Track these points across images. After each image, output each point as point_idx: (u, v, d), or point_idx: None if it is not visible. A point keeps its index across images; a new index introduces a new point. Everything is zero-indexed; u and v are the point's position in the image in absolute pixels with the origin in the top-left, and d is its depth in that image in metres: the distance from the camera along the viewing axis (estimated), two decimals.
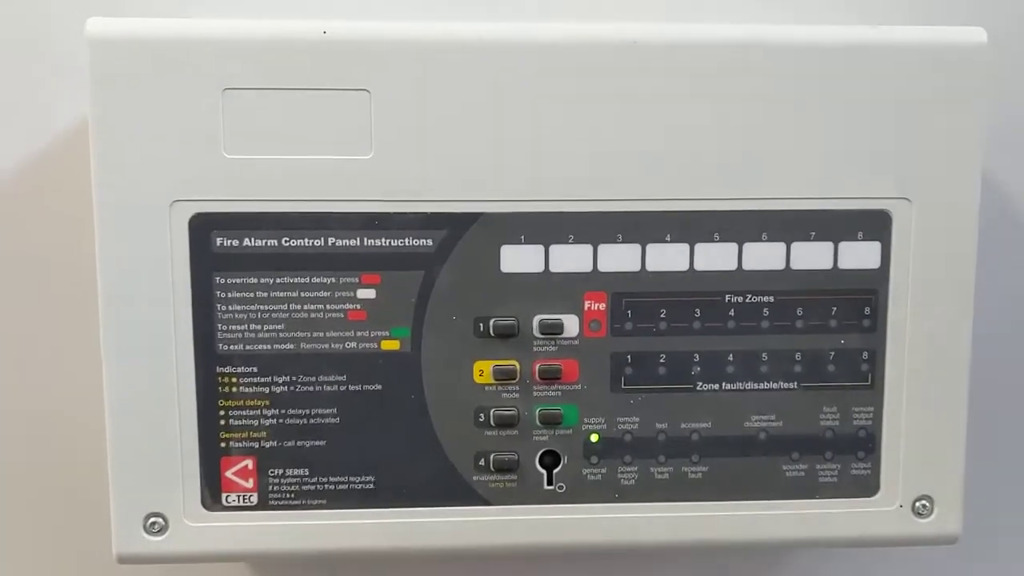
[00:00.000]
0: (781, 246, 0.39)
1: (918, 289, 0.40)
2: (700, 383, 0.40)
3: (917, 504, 0.41)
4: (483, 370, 0.39)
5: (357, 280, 0.39)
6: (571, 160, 0.38)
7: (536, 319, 0.39)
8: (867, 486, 0.41)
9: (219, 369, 0.39)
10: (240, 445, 0.39)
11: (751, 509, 0.41)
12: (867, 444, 0.41)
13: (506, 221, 0.38)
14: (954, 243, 0.40)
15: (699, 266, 0.39)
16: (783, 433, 0.41)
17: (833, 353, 0.40)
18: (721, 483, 0.40)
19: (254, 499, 0.39)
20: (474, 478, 0.40)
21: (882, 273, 0.40)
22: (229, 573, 0.47)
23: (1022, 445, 0.50)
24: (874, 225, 0.39)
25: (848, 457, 0.41)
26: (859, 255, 0.40)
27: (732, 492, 0.41)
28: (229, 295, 0.38)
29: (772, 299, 0.40)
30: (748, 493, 0.41)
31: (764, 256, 0.39)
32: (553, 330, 0.39)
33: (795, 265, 0.40)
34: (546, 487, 0.40)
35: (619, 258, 0.39)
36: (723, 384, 0.40)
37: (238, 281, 0.38)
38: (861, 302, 0.40)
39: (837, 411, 0.41)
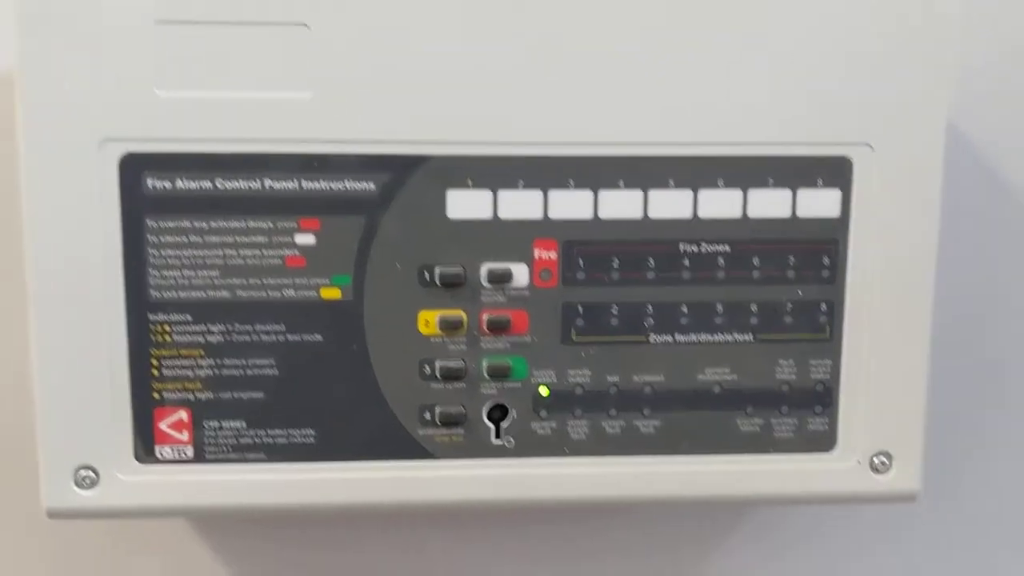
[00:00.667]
0: (738, 193, 0.38)
1: (879, 239, 0.39)
2: (653, 335, 0.39)
3: (875, 460, 0.40)
4: (428, 320, 0.38)
5: (295, 225, 0.37)
6: (521, 102, 0.37)
7: (484, 268, 0.38)
8: (824, 441, 0.40)
9: (151, 317, 0.37)
10: (174, 396, 0.38)
11: (704, 464, 0.40)
12: (824, 398, 0.40)
13: (453, 165, 0.37)
14: (918, 192, 0.39)
15: (653, 213, 0.38)
16: (738, 386, 0.39)
17: (790, 305, 0.39)
18: (674, 437, 0.39)
19: (189, 452, 0.38)
20: (419, 432, 0.38)
21: (842, 222, 0.39)
22: (166, 528, 0.46)
23: (983, 399, 0.49)
24: (834, 172, 0.38)
25: (805, 411, 0.40)
26: (818, 203, 0.38)
27: (685, 447, 0.39)
28: (161, 239, 0.37)
29: (728, 248, 0.38)
30: (701, 448, 0.40)
31: (720, 203, 0.38)
32: (502, 279, 0.38)
33: (752, 213, 0.38)
34: (494, 441, 0.39)
35: (571, 204, 0.38)
36: (676, 336, 0.39)
37: (171, 225, 0.37)
38: (820, 252, 0.39)
39: (794, 364, 0.40)
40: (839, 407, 0.40)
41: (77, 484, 0.37)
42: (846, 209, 0.38)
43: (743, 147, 0.38)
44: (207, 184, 0.36)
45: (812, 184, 0.38)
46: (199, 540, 0.48)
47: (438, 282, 0.38)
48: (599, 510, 0.44)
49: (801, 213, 0.38)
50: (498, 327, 0.38)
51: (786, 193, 0.38)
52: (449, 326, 0.38)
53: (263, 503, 0.39)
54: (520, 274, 0.38)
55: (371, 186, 0.37)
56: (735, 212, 0.38)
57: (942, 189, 0.38)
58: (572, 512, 0.45)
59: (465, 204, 0.37)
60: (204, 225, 0.37)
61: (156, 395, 0.38)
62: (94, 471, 0.37)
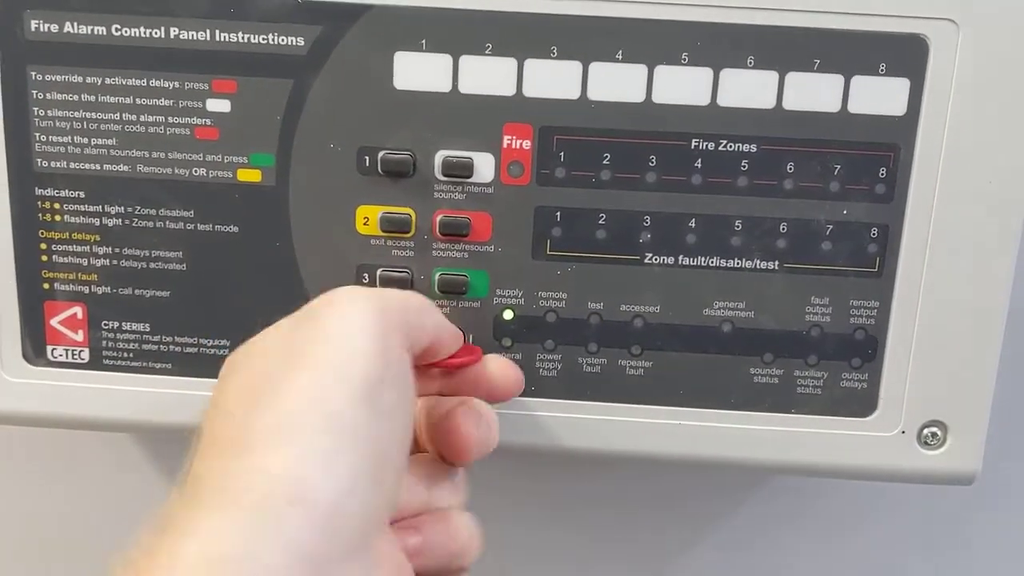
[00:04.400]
0: (772, 76, 0.30)
1: (956, 148, 0.30)
2: (650, 254, 0.31)
3: (925, 431, 0.32)
4: (368, 218, 0.31)
5: (207, 87, 0.30)
6: None
7: (439, 156, 0.30)
8: (861, 403, 0.32)
9: (39, 191, 0.31)
10: (67, 288, 0.32)
11: (702, 419, 0.32)
12: (865, 349, 0.32)
13: (403, 18, 0.29)
14: (1013, 87, 0.29)
15: (659, 97, 0.30)
16: (754, 326, 0.32)
17: (831, 227, 0.31)
18: (667, 384, 0.32)
19: (85, 355, 0.32)
20: None
21: (908, 123, 0.30)
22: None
23: None
24: (903, 55, 0.29)
25: (839, 364, 0.32)
26: (878, 96, 0.30)
27: (680, 397, 0.32)
28: (47, 96, 0.30)
29: (755, 148, 0.30)
30: (700, 400, 0.32)
31: (748, 89, 0.30)
32: (461, 171, 0.30)
33: (789, 104, 0.30)
34: None
35: (553, 79, 0.30)
36: (680, 257, 0.31)
37: (59, 79, 0.30)
38: (875, 160, 0.30)
39: (829, 304, 0.31)
40: (883, 362, 0.32)
41: None
42: (915, 106, 0.30)
43: (784, 15, 0.29)
44: (101, 30, 0.30)
45: (872, 70, 0.29)
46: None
47: (381, 170, 0.30)
48: (566, 463, 0.37)
49: (854, 107, 0.30)
50: (454, 231, 0.31)
51: (836, 80, 0.30)
52: (394, 226, 0.31)
53: (169, 421, 0.33)
54: (484, 166, 0.30)
55: (300, 41, 0.30)
56: (767, 101, 0.30)
57: None
58: (533, 463, 0.38)
59: (417, 71, 0.30)
60: (97, 81, 0.30)
61: (46, 285, 0.32)
62: None
